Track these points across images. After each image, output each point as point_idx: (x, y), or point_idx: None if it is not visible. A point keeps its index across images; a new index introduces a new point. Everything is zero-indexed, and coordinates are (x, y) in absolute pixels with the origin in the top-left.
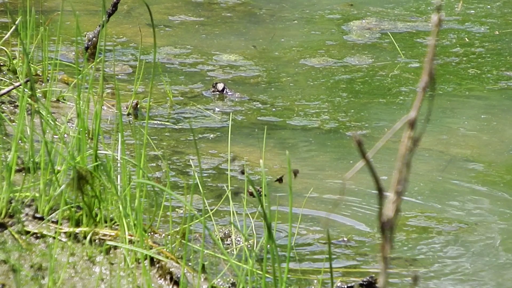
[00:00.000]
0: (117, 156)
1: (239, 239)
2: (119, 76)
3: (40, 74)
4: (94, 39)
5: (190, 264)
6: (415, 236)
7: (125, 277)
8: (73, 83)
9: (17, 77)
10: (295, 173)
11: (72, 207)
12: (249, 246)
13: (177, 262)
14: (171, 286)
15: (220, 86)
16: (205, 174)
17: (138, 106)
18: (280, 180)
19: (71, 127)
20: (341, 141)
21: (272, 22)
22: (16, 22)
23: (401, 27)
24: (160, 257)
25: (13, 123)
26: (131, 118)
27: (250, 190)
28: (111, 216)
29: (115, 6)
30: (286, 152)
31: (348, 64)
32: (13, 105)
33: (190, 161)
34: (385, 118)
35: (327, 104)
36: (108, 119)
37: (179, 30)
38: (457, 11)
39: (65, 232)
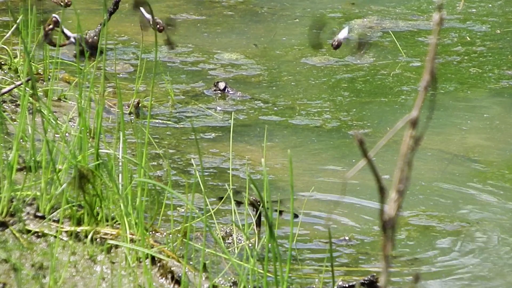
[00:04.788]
0: (119, 155)
1: (240, 238)
2: (121, 75)
3: (41, 73)
4: (95, 37)
5: (191, 263)
6: (416, 235)
7: (126, 276)
8: (74, 82)
9: (18, 76)
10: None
11: (73, 206)
12: (250, 245)
13: (178, 261)
14: (172, 285)
15: (221, 85)
16: (206, 173)
17: (140, 105)
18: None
19: (73, 126)
20: (343, 140)
21: (274, 20)
22: (17, 21)
23: (402, 26)
24: (161, 256)
25: (15, 122)
26: (132, 117)
27: (252, 198)
28: (112, 215)
29: (116, 4)
30: (288, 151)
31: (350, 63)
32: (14, 104)
33: (192, 160)
34: (387, 117)
35: (329, 103)
36: (109, 118)
37: (181, 28)
38: (458, 9)
39: (66, 231)
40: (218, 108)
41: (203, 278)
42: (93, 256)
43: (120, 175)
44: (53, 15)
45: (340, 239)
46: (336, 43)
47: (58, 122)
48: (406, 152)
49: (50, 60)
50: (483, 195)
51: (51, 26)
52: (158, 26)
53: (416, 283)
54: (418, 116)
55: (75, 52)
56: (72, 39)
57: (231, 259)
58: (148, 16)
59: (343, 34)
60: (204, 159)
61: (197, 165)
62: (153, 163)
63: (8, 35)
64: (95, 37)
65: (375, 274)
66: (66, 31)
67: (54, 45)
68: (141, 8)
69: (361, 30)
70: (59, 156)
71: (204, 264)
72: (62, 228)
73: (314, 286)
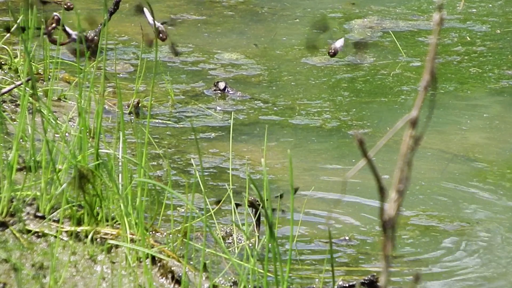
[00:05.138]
0: (119, 155)
1: (240, 237)
2: (121, 75)
3: (41, 73)
4: (95, 37)
5: (191, 263)
6: (416, 234)
7: (126, 276)
8: (74, 82)
9: (19, 76)
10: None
11: (73, 206)
12: (250, 244)
13: (179, 261)
14: (172, 285)
15: (221, 85)
16: (206, 173)
17: (140, 104)
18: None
19: (72, 126)
20: (343, 140)
21: (274, 20)
22: (18, 21)
23: (402, 26)
24: (161, 256)
25: (14, 122)
26: (132, 117)
27: (251, 198)
28: (112, 215)
29: (116, 4)
30: (288, 151)
31: (350, 63)
32: (14, 104)
33: (191, 160)
34: (387, 117)
35: (329, 103)
36: (109, 118)
37: (181, 28)
38: (458, 9)
39: (66, 231)
40: (218, 108)
41: (203, 278)
42: (93, 256)
43: (120, 175)
44: (54, 13)
45: (340, 239)
46: (333, 52)
47: (58, 122)
48: (406, 152)
49: (50, 60)
50: (483, 195)
51: (54, 25)
52: (161, 35)
53: (417, 283)
54: (418, 116)
55: (74, 47)
56: (74, 36)
57: (231, 259)
58: (151, 22)
59: (339, 43)
60: (204, 159)
61: (197, 165)
62: (153, 163)
63: (8, 34)
64: (95, 37)
65: (375, 274)
66: (67, 29)
67: (56, 43)
68: (146, 14)
69: (361, 30)
70: (59, 156)
71: (205, 264)
72: (62, 228)
73: (314, 286)
